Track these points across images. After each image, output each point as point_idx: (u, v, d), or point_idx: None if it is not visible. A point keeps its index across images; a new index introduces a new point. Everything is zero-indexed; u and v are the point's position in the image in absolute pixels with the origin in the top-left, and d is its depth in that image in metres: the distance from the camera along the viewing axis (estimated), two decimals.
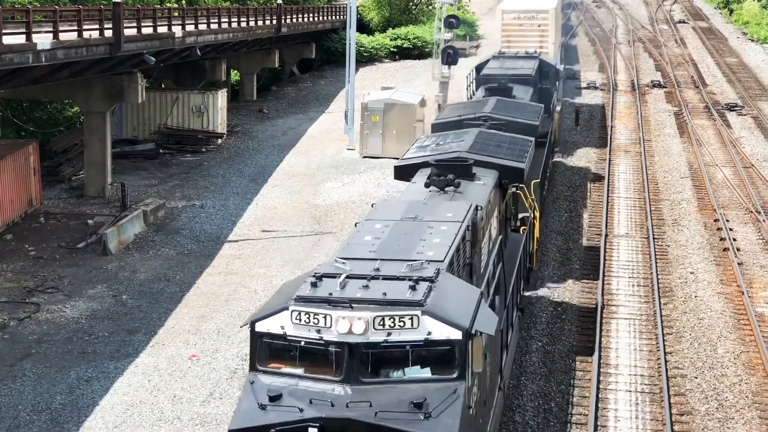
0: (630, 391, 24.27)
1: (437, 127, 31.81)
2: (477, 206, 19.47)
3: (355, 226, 18.12)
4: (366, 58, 78.26)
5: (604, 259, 33.56)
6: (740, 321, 28.56)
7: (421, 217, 18.73)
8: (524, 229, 27.12)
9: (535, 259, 30.05)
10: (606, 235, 36.29)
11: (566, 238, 36.53)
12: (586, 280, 32.00)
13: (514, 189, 25.77)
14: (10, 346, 26.82)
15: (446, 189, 21.62)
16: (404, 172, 25.56)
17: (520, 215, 27.62)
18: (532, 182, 28.81)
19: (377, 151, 48.59)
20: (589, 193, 42.74)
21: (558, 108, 49.07)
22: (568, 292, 30.98)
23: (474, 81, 44.82)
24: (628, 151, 51.00)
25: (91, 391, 24.05)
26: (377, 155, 48.27)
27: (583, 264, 33.67)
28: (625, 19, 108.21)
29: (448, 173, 22.28)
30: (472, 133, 27.46)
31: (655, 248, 34.84)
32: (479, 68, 45.67)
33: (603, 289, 30.85)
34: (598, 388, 24.05)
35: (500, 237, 23.09)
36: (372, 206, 19.92)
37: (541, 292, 30.74)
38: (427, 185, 21.93)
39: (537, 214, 29.22)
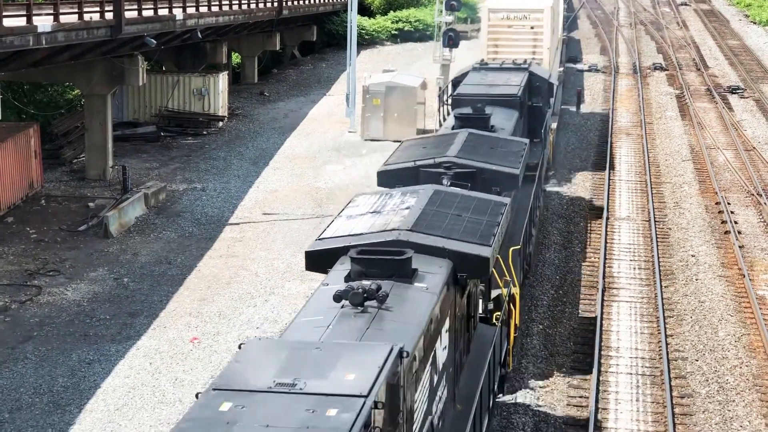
0: (631, 374, 24.31)
1: (385, 178, 23.07)
2: (402, 352, 12.03)
3: (197, 397, 10.66)
4: (367, 41, 78.12)
5: (606, 242, 33.61)
6: (741, 304, 28.59)
7: (304, 382, 10.76)
8: (498, 316, 19.83)
9: (511, 359, 22.67)
10: (607, 218, 36.31)
11: (568, 221, 36.57)
12: (587, 263, 32.05)
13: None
14: (12, 329, 26.86)
15: (366, 305, 13.83)
16: (319, 261, 16.93)
17: (493, 292, 21.27)
18: (511, 250, 22.54)
19: (379, 134, 48.54)
20: (590, 176, 42.72)
21: (554, 125, 43.20)
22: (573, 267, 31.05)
23: (450, 100, 34.86)
24: (629, 134, 50.96)
25: (92, 374, 24.10)
26: (379, 138, 48.22)
27: (584, 247, 33.73)
28: (627, 2, 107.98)
29: (375, 271, 15.05)
30: (423, 196, 19.10)
31: (656, 231, 34.84)
32: (456, 83, 36.39)
33: (604, 272, 30.88)
34: (599, 371, 24.08)
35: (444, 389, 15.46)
36: (239, 348, 12.01)
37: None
38: (337, 298, 13.90)
39: (516, 292, 22.20)
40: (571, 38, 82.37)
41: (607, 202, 38.27)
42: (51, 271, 31.23)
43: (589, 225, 35.95)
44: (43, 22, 33.08)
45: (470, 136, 25.46)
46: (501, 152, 24.61)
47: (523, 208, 26.71)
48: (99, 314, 27.87)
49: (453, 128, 27.83)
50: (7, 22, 31.18)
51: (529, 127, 34.10)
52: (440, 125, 35.37)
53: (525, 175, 25.43)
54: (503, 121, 29.66)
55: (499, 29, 46.91)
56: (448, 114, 33.77)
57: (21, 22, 32.15)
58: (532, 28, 46.52)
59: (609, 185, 40.78)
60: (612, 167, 43.85)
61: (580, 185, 41.28)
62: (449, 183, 21.39)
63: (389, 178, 22.85)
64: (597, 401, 22.57)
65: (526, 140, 26.94)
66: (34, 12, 32.60)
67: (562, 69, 58.65)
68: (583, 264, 32.00)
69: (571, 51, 74.56)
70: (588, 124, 53.24)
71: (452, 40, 53.31)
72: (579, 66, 70.86)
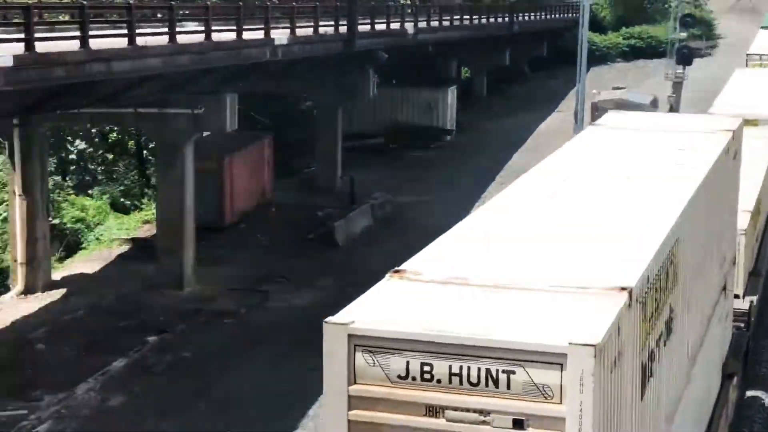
0: None
1: None
2: None
3: None
4: (598, 58, 77.10)
5: None
6: None
7: None
8: None
9: None
10: None
11: None
12: None
13: None
14: (241, 333, 27.51)
15: None
16: None
17: None
18: None
19: None
20: None
21: None
22: None
23: None
24: None
25: (315, 381, 24.39)
26: None
27: None
28: None
29: None
30: None
31: None
32: None
33: None
34: None
35: None
36: None
37: None
38: None
39: None
40: None
41: None
42: (279, 278, 31.88)
43: None
44: (280, 35, 33.92)
45: None
46: None
47: None
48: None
49: None
50: (246, 35, 32.11)
51: None
52: None
53: None
54: None
55: None
56: None
57: (259, 35, 33.05)
58: None
59: None
60: None
61: None
62: None
63: None
64: None
65: None
66: (271, 25, 33.47)
67: None
68: None
69: None
70: None
71: (685, 57, 52.11)
72: None
